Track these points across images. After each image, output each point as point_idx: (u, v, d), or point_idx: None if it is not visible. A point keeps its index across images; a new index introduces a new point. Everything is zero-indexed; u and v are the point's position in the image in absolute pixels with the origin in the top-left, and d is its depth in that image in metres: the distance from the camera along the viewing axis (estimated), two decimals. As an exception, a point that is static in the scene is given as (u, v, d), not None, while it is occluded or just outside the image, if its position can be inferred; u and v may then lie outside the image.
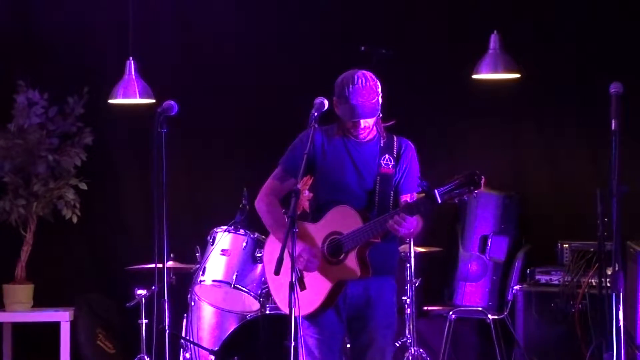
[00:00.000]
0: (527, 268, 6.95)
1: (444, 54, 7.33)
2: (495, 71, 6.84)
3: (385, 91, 4.75)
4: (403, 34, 7.32)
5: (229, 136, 7.77)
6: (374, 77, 4.73)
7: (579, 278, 6.66)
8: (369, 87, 4.67)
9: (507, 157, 7.46)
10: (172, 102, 5.12)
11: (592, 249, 6.63)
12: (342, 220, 4.70)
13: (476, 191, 4.42)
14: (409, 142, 4.88)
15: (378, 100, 4.70)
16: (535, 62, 7.11)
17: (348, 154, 4.78)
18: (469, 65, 6.94)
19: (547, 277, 6.81)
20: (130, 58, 7.15)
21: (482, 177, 4.41)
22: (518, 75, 6.90)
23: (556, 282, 6.75)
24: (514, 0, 7.24)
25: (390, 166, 4.78)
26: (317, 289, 4.71)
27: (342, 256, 4.69)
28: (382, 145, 4.81)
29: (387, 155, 4.80)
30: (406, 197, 4.78)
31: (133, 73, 7.13)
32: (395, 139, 4.85)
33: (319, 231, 4.77)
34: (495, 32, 6.82)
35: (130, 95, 7.13)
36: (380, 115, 4.77)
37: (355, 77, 4.69)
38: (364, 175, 4.76)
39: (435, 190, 4.45)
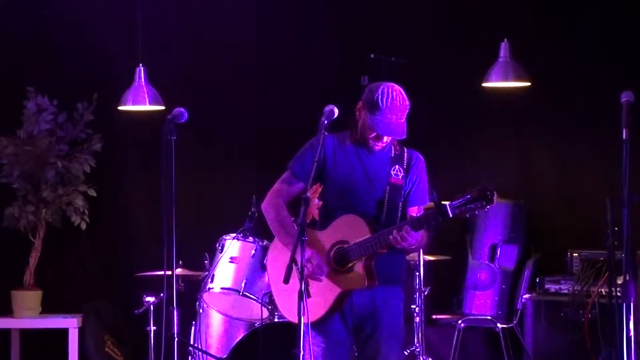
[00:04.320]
0: (536, 277, 6.93)
1: (452, 62, 7.31)
2: (506, 79, 6.82)
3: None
4: (410, 42, 7.30)
5: (238, 143, 7.77)
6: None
7: (589, 287, 6.63)
8: (404, 106, 4.67)
9: (516, 165, 7.44)
10: (182, 110, 5.10)
11: (602, 258, 6.61)
12: (349, 229, 4.68)
13: (488, 207, 4.41)
14: (420, 155, 4.87)
15: (405, 120, 4.69)
16: (545, 70, 7.09)
17: (359, 161, 4.77)
18: (479, 73, 6.93)
19: (557, 286, 6.78)
20: (140, 65, 7.15)
21: (494, 192, 4.39)
22: (529, 84, 6.88)
23: (566, 291, 6.72)
24: (525, 9, 7.22)
25: (400, 177, 4.77)
26: (322, 297, 4.69)
27: (348, 265, 4.68)
28: (392, 155, 4.80)
29: (397, 166, 4.78)
30: (413, 210, 4.77)
31: (143, 80, 7.14)
32: (405, 151, 4.84)
33: (325, 239, 4.74)
34: (505, 40, 6.80)
35: (139, 102, 7.13)
36: None
37: (394, 93, 4.65)
38: (374, 184, 4.75)
39: (447, 205, 4.43)
